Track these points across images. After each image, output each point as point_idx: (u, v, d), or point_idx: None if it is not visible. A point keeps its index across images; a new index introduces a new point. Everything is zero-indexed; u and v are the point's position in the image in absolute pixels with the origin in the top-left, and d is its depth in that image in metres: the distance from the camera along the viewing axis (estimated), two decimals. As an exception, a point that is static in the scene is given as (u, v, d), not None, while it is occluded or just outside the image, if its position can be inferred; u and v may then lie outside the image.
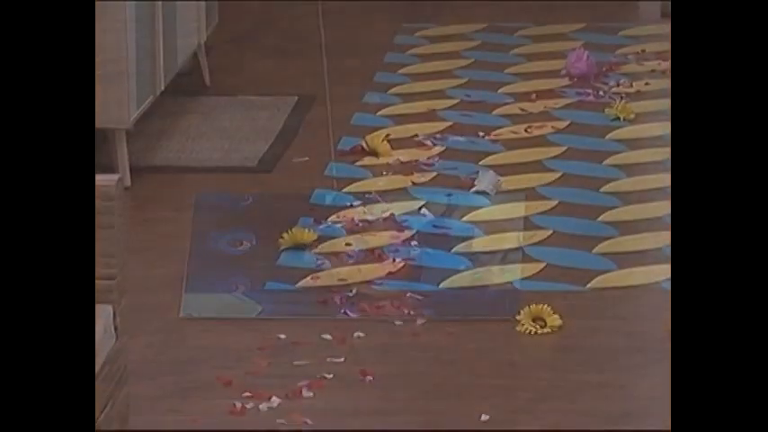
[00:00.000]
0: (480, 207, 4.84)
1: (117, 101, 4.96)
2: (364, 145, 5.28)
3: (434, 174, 5.13)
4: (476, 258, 4.49)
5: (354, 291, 4.28)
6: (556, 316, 4.04)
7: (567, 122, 5.58)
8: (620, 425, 3.59)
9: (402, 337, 4.03)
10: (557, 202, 4.88)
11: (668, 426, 3.12)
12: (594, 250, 4.52)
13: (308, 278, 4.37)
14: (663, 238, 4.59)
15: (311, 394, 3.72)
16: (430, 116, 5.68)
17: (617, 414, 3.64)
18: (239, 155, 5.34)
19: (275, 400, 3.68)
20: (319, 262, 4.47)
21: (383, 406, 3.68)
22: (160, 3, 5.29)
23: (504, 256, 4.50)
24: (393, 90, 5.99)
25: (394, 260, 4.45)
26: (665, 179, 5.04)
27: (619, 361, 3.92)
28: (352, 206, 4.85)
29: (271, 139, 5.45)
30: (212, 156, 5.34)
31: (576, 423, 3.55)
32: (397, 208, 4.82)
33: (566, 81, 6.01)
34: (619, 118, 5.56)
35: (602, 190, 4.98)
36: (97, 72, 4.89)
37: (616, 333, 4.05)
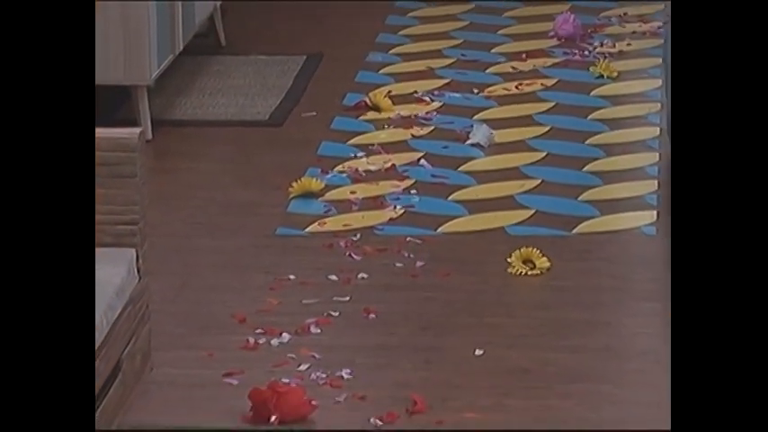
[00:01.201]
0: (475, 158, 4.84)
1: (139, 60, 4.95)
2: (367, 101, 5.27)
3: (432, 127, 5.12)
4: (471, 205, 4.47)
5: (358, 235, 4.27)
6: (544, 258, 4.03)
7: (555, 80, 5.58)
8: (603, 358, 3.57)
9: (402, 278, 4.02)
10: (545, 153, 4.86)
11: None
12: (580, 198, 4.51)
13: (316, 224, 4.36)
14: (643, 187, 4.59)
15: (319, 330, 3.72)
16: (428, 74, 5.68)
17: (601, 348, 3.62)
18: (252, 110, 5.33)
19: (285, 336, 3.67)
20: (326, 209, 4.46)
21: (385, 341, 3.67)
22: (179, -31, 5.27)
23: (497, 204, 4.49)
24: (394, 50, 5.98)
25: (395, 207, 4.45)
26: (645, 132, 5.05)
27: (604, 300, 3.89)
28: (356, 157, 4.85)
29: (281, 96, 5.44)
30: (227, 111, 5.33)
31: (564, 358, 3.54)
32: (398, 159, 4.82)
33: (553, 42, 5.99)
34: (603, 76, 5.57)
35: (587, 142, 4.97)
36: (121, 33, 4.89)
37: (600, 274, 4.03)
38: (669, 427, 3.11)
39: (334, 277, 4.01)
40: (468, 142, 4.93)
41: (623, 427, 3.22)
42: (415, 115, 5.21)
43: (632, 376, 3.51)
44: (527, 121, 5.17)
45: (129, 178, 3.32)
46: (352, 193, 4.57)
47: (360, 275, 4.02)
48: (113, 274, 3.22)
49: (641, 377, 3.50)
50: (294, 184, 4.54)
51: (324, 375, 3.48)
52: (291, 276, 4.01)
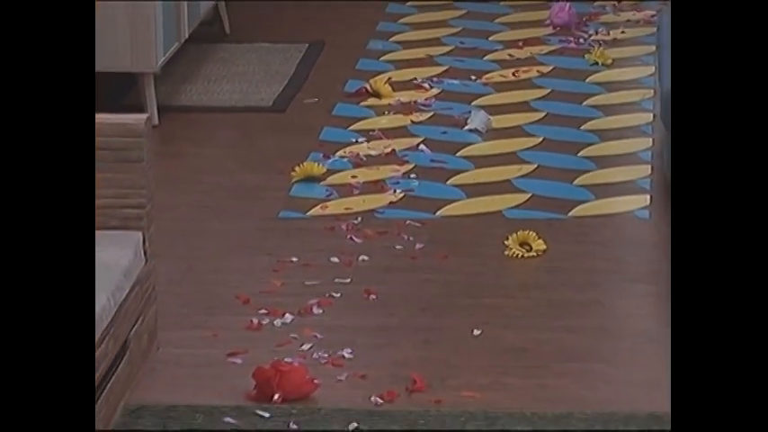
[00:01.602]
0: (473, 143, 4.83)
1: (146, 48, 4.94)
2: (368, 87, 5.26)
3: (431, 113, 5.11)
4: (469, 189, 4.46)
5: (359, 219, 4.26)
6: (540, 241, 4.02)
7: (551, 67, 5.57)
8: (597, 338, 3.56)
9: (402, 260, 4.01)
10: (541, 138, 4.84)
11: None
12: (575, 182, 4.49)
13: (318, 207, 4.34)
14: (637, 172, 4.57)
15: (321, 311, 3.71)
16: (427, 61, 5.67)
17: (595, 327, 3.61)
18: (256, 96, 5.32)
19: (288, 317, 3.66)
20: (328, 193, 4.44)
21: (385, 322, 3.66)
22: (185, -42, 5.25)
23: (494, 188, 4.47)
24: (394, 38, 5.96)
25: (395, 191, 4.44)
26: (638, 118, 5.03)
27: (598, 281, 3.88)
28: (357, 142, 4.83)
29: (284, 82, 5.43)
30: (231, 97, 5.31)
31: (559, 338, 3.53)
32: (398, 144, 4.81)
33: (549, 30, 5.98)
34: (597, 63, 5.56)
35: (582, 128, 4.95)
36: (128, 22, 4.88)
37: (595, 256, 4.02)
38: (656, 406, 3.16)
39: (335, 259, 3.99)
40: (467, 128, 4.92)
41: (618, 406, 3.21)
42: (415, 101, 5.19)
43: (626, 355, 3.49)
44: (523, 107, 5.16)
45: (135, 163, 3.31)
46: (354, 177, 4.55)
47: (360, 258, 4.01)
48: (121, 256, 3.21)
49: (634, 356, 3.49)
50: (297, 168, 4.53)
51: (325, 355, 3.47)
52: (294, 258, 4.00)
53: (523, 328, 3.60)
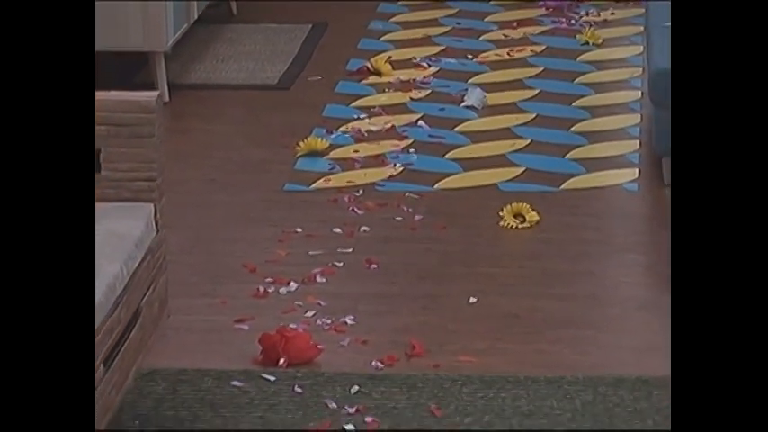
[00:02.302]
0: (469, 119, 4.80)
1: (157, 28, 4.91)
2: (369, 66, 5.23)
3: (429, 91, 5.07)
4: (465, 163, 4.43)
5: (361, 191, 4.23)
6: (534, 213, 3.99)
7: (544, 47, 5.53)
8: (588, 305, 3.54)
9: (401, 231, 3.98)
10: (535, 115, 4.81)
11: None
12: (567, 156, 4.46)
13: (321, 180, 4.32)
14: (626, 147, 4.55)
15: (324, 280, 3.69)
16: (426, 41, 5.63)
17: (586, 295, 3.59)
18: (262, 75, 5.28)
19: (293, 285, 3.64)
20: (331, 167, 4.42)
21: (385, 290, 3.64)
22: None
23: (490, 162, 4.45)
24: (394, 19, 5.92)
25: (395, 165, 4.42)
26: (627, 96, 5.00)
27: (588, 251, 3.86)
28: (358, 118, 4.81)
29: (289, 61, 5.39)
30: (239, 75, 5.28)
31: (552, 305, 3.51)
32: (398, 120, 4.78)
33: (542, 11, 5.94)
34: (588, 43, 5.52)
35: (573, 105, 4.92)
36: (140, 3, 4.84)
37: (585, 227, 3.99)
38: (644, 370, 3.14)
39: (338, 230, 3.97)
40: (463, 104, 4.89)
41: (608, 370, 3.19)
42: (414, 80, 5.16)
43: (615, 322, 3.48)
44: (518, 84, 5.13)
45: (147, 138, 3.28)
46: (355, 151, 4.52)
47: (362, 228, 3.98)
48: (133, 227, 3.19)
49: (624, 323, 3.47)
50: (301, 143, 4.50)
51: (328, 321, 3.45)
52: (298, 229, 3.98)
53: (517, 295, 3.58)
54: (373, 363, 3.26)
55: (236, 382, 3.15)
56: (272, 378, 3.16)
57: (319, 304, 3.54)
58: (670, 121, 4.15)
